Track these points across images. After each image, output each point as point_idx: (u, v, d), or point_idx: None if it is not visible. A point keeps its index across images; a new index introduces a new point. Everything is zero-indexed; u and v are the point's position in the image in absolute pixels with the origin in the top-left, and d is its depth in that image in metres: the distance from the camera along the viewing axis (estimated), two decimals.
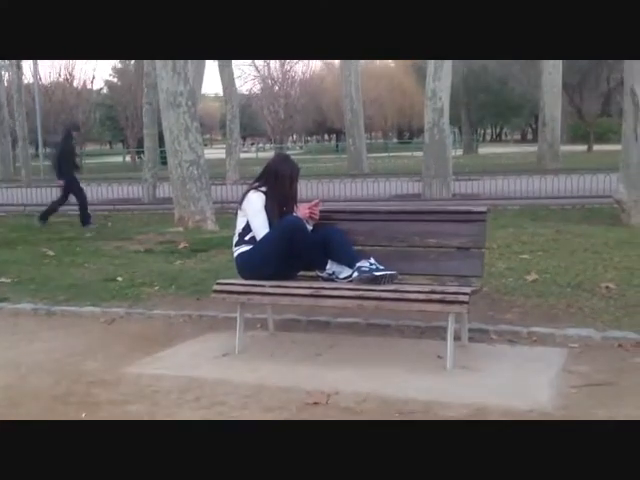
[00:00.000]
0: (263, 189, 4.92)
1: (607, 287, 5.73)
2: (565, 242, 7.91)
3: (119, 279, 7.02)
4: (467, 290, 4.18)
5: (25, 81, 34.36)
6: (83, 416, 3.66)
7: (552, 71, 23.08)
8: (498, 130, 78.26)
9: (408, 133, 65.15)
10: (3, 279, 7.22)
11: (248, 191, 4.97)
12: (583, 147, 37.47)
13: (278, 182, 4.91)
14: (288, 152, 36.14)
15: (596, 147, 36.56)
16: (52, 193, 16.95)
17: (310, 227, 4.89)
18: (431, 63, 14.49)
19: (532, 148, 30.13)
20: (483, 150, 46.15)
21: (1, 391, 4.12)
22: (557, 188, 13.66)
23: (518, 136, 72.46)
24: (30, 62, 35.48)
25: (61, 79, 42.79)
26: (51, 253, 8.82)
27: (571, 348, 4.55)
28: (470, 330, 4.75)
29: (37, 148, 39.65)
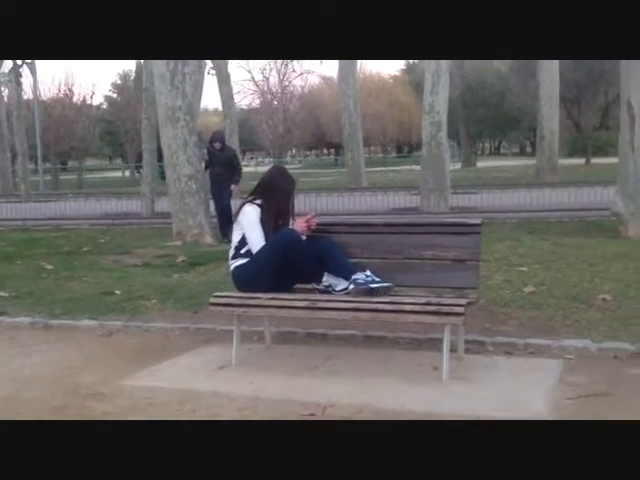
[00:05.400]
0: (258, 202, 4.93)
1: (604, 299, 5.74)
2: (562, 254, 7.92)
3: (117, 292, 7.03)
4: (463, 302, 4.19)
5: (25, 97, 34.48)
6: None
7: (550, 85, 23.17)
8: (497, 143, 78.44)
9: (407, 147, 65.22)
10: (1, 293, 7.23)
11: (243, 204, 4.98)
12: (581, 160, 37.55)
13: (274, 195, 4.92)
14: (287, 166, 36.19)
15: (594, 160, 36.62)
16: (50, 208, 17.03)
17: (304, 238, 4.89)
18: (428, 78, 14.53)
19: (531, 161, 30.16)
20: (482, 163, 46.25)
21: None
22: (555, 201, 13.70)
23: (517, 149, 72.57)
24: (30, 78, 35.64)
25: (61, 95, 42.95)
26: (49, 267, 8.84)
27: (567, 359, 4.56)
28: (467, 342, 4.75)
29: (36, 163, 39.68)
